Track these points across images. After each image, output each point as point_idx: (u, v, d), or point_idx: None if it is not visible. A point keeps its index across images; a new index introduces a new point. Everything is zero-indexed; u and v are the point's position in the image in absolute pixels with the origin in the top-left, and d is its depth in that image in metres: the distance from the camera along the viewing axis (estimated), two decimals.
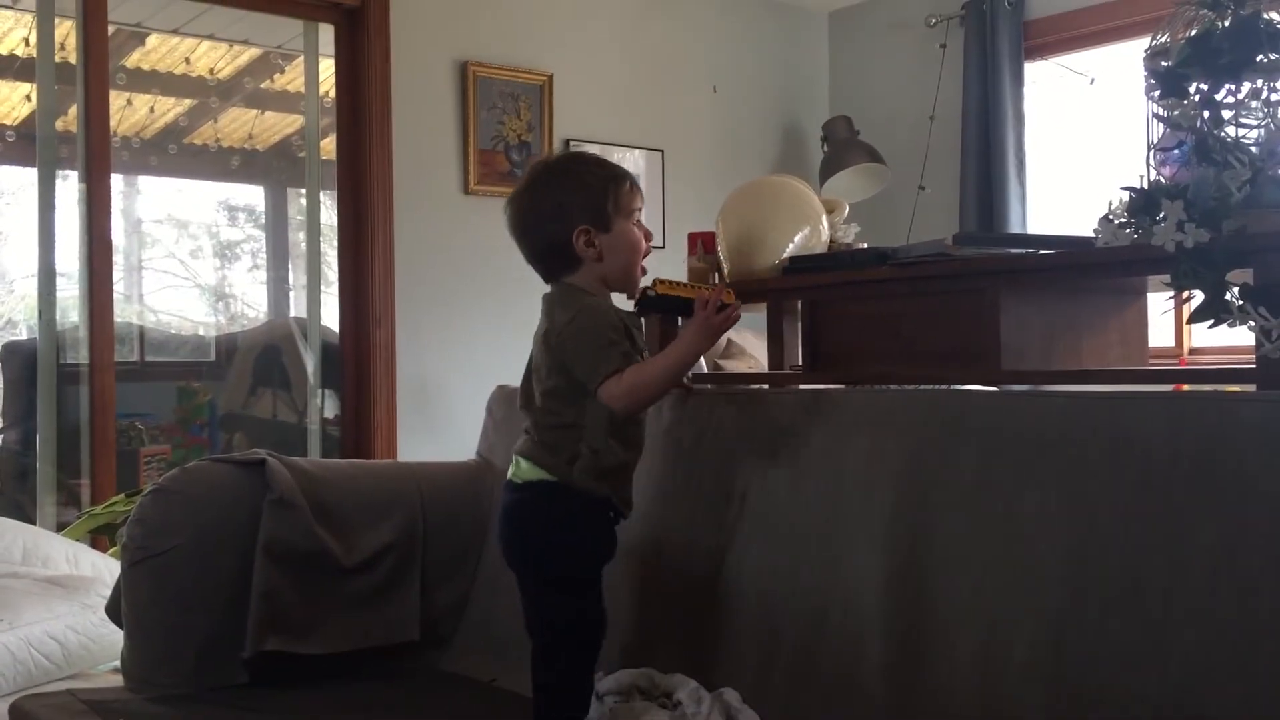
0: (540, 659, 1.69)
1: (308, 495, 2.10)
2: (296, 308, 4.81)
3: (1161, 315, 1.98)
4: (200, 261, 4.93)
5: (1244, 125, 1.78)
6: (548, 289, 1.77)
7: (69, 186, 3.73)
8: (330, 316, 4.31)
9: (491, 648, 2.14)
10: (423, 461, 2.45)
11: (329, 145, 4.33)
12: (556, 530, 1.69)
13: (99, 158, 3.68)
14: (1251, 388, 1.83)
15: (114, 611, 2.09)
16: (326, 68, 4.30)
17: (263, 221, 5.15)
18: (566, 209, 1.71)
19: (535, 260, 1.76)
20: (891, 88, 5.07)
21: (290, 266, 5.05)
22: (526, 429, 1.74)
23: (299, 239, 4.86)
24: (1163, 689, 1.31)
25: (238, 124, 4.90)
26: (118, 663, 2.17)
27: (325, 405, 4.41)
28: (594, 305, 1.69)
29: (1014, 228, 4.50)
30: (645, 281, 1.81)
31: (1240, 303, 1.66)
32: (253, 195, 5.26)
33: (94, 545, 3.28)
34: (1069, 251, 2.13)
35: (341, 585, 2.11)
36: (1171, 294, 1.78)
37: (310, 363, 4.44)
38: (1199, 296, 1.72)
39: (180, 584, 1.99)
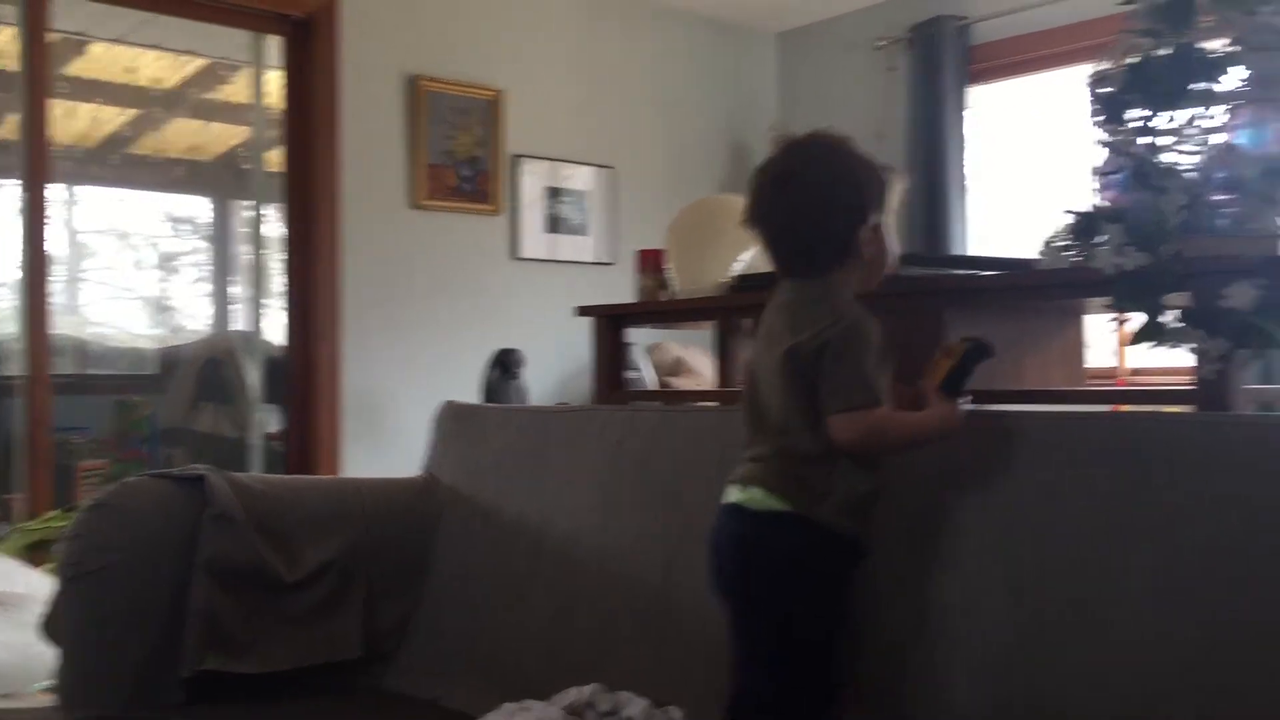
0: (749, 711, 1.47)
1: (249, 511, 2.07)
2: (240, 321, 4.76)
3: (1106, 336, 2.01)
4: (142, 273, 4.87)
5: (1181, 152, 1.82)
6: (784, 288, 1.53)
7: (9, 196, 3.67)
8: (274, 330, 4.27)
9: (435, 665, 2.12)
10: (368, 477, 2.42)
11: (275, 157, 4.29)
12: (800, 568, 1.45)
13: (39, 167, 3.63)
14: (1192, 409, 1.87)
15: (49, 629, 2.05)
16: (273, 79, 4.26)
17: (207, 233, 5.09)
18: (866, 198, 1.50)
19: (800, 246, 1.52)
20: (839, 107, 5.12)
21: (235, 279, 4.99)
22: (758, 456, 1.49)
23: (243, 251, 4.81)
24: (1126, 707, 1.32)
25: (183, 135, 4.85)
26: (52, 682, 2.13)
27: (268, 420, 4.36)
28: (864, 319, 1.46)
29: (956, 248, 4.56)
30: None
31: (1179, 325, 1.70)
32: (197, 207, 5.20)
33: (30, 561, 3.21)
34: (1012, 274, 2.16)
35: (283, 602, 2.08)
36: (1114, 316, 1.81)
37: (253, 377, 4.38)
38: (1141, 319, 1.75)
39: (117, 601, 1.95)
